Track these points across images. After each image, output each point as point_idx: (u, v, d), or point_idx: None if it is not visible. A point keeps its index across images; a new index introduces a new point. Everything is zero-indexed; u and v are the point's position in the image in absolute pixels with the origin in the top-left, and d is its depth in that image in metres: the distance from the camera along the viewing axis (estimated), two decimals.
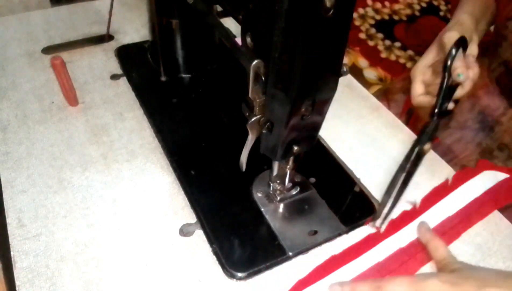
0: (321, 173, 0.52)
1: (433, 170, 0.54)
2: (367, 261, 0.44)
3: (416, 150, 0.46)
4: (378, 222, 0.46)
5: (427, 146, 0.47)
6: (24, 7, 1.02)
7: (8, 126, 0.56)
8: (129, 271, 0.42)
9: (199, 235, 0.46)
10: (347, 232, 0.46)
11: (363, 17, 1.77)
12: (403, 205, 0.48)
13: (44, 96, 0.61)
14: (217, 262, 0.43)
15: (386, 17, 1.79)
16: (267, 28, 0.32)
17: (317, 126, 0.42)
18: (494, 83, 0.66)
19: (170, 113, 0.59)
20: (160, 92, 0.62)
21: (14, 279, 0.41)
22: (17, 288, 0.40)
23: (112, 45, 0.71)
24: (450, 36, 0.53)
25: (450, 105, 0.50)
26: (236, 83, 0.64)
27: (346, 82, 0.67)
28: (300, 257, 0.44)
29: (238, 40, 0.37)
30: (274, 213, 0.48)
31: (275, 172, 0.47)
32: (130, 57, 0.68)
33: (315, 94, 0.37)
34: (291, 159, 0.45)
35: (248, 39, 0.36)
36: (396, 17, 1.79)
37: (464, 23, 0.58)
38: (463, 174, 0.52)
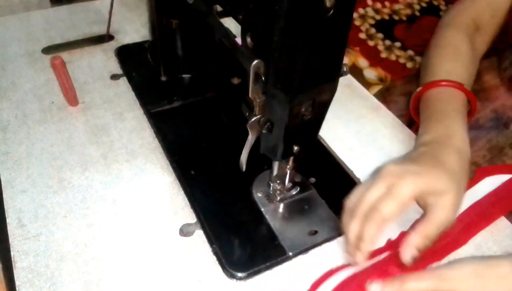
0: (321, 173, 0.52)
1: None
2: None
3: None
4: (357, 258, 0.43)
5: None
6: (24, 7, 1.02)
7: (8, 126, 0.56)
8: (129, 271, 0.42)
9: (199, 235, 0.46)
10: None
11: (363, 17, 1.77)
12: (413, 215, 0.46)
13: (44, 96, 0.61)
14: (217, 262, 0.43)
15: (386, 17, 1.79)
16: (267, 28, 0.33)
17: (317, 126, 0.42)
18: (507, 82, 0.65)
19: (170, 113, 0.59)
20: (160, 92, 0.62)
21: (14, 279, 0.41)
22: (17, 288, 0.40)
23: (112, 45, 0.71)
24: (449, 217, 0.42)
25: None
26: (235, 84, 0.64)
27: (346, 82, 0.67)
28: (300, 257, 0.44)
29: (238, 40, 0.37)
30: (274, 213, 0.48)
31: (275, 172, 0.47)
32: (130, 57, 0.68)
33: (315, 94, 0.37)
34: (291, 159, 0.45)
35: (248, 39, 0.36)
36: (396, 17, 1.79)
37: (447, 162, 0.46)
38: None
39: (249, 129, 0.39)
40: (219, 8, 0.46)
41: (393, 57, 1.61)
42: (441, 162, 0.45)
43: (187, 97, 0.61)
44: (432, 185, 0.43)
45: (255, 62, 0.34)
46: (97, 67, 0.66)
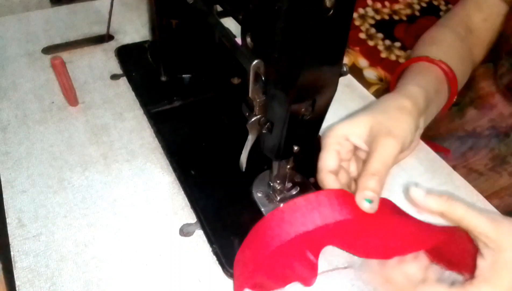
0: None
1: (433, 171, 0.54)
2: None
3: None
4: None
5: None
6: (24, 7, 1.02)
7: (8, 126, 0.56)
8: (129, 271, 0.42)
9: (199, 235, 0.46)
10: None
11: (363, 17, 1.77)
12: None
13: (44, 96, 0.61)
14: (217, 262, 0.43)
15: (386, 17, 1.79)
16: (267, 28, 0.33)
17: (317, 126, 0.42)
18: (503, 90, 0.65)
19: (170, 113, 0.59)
20: (160, 92, 0.62)
21: (14, 279, 0.41)
22: (17, 288, 0.40)
23: (112, 45, 0.71)
24: (390, 146, 0.41)
25: None
26: (236, 84, 0.64)
27: (346, 82, 0.67)
28: None
29: (238, 40, 0.37)
30: None
31: (275, 172, 0.47)
32: (130, 57, 0.68)
33: (315, 94, 0.37)
34: (291, 159, 0.45)
35: (248, 39, 0.36)
36: (396, 17, 1.79)
37: (414, 94, 0.47)
38: None
39: (249, 129, 0.39)
40: (219, 8, 0.46)
41: (393, 57, 1.61)
42: (369, 106, 0.46)
43: (187, 97, 0.61)
44: (354, 124, 0.44)
45: (255, 62, 0.34)
46: (97, 67, 0.66)
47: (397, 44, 1.66)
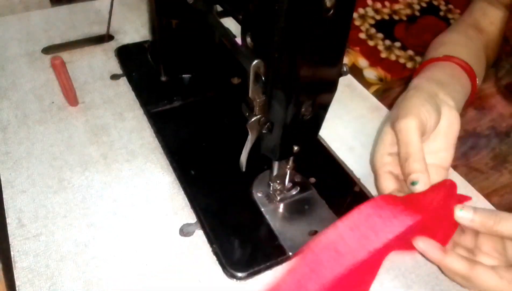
0: (321, 173, 0.52)
1: None
2: None
3: None
4: None
5: None
6: (24, 7, 1.02)
7: (8, 126, 0.56)
8: (129, 271, 0.42)
9: (199, 235, 0.46)
10: None
11: (363, 17, 1.77)
12: None
13: (44, 96, 0.61)
14: (217, 262, 0.43)
15: (386, 17, 1.78)
16: (267, 28, 0.33)
17: (317, 126, 0.42)
18: (503, 90, 0.65)
19: (170, 113, 0.59)
20: (160, 92, 0.62)
21: (14, 279, 0.41)
22: (17, 288, 0.40)
23: (112, 45, 0.71)
24: (405, 125, 0.42)
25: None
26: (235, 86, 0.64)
27: (346, 82, 0.67)
28: None
29: (238, 40, 0.37)
30: (274, 213, 0.48)
31: (275, 172, 0.47)
32: (130, 57, 0.68)
33: (315, 94, 0.37)
34: (291, 159, 0.45)
35: (248, 39, 0.36)
36: (396, 17, 1.79)
37: (423, 87, 0.48)
38: None
39: (249, 129, 0.39)
40: (219, 8, 0.46)
41: (393, 57, 1.61)
42: (405, 96, 0.47)
43: (187, 97, 0.61)
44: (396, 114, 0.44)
45: (255, 62, 0.34)
46: (97, 67, 0.66)
47: (397, 44, 1.66)
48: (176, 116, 0.59)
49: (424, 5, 1.89)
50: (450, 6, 1.81)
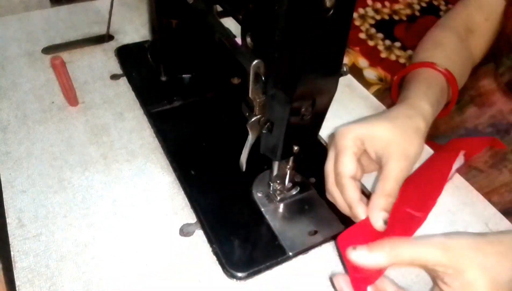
0: (321, 173, 0.52)
1: None
2: None
3: None
4: None
5: None
6: (24, 7, 1.02)
7: (8, 126, 0.56)
8: (129, 271, 0.42)
9: (199, 235, 0.46)
10: None
11: (363, 17, 1.76)
12: None
13: (44, 96, 0.61)
14: (217, 262, 0.43)
15: (386, 17, 1.78)
16: (267, 28, 0.33)
17: (317, 126, 0.42)
18: (504, 87, 0.65)
19: (170, 113, 0.59)
20: (160, 92, 0.62)
21: (14, 279, 0.41)
22: (17, 288, 0.40)
23: (112, 45, 0.71)
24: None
25: None
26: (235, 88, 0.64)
27: (346, 82, 0.67)
28: (300, 257, 0.44)
29: (238, 40, 0.37)
30: (274, 213, 0.48)
31: (275, 172, 0.47)
32: (130, 57, 0.68)
33: (315, 94, 0.37)
34: (291, 159, 0.45)
35: (248, 39, 0.36)
36: (396, 17, 1.79)
37: (427, 115, 0.48)
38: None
39: (249, 129, 0.39)
40: (219, 8, 0.46)
41: (393, 57, 1.61)
42: (385, 114, 0.47)
43: (187, 97, 0.61)
44: (372, 131, 0.43)
45: (255, 62, 0.34)
46: (97, 67, 0.66)
47: (397, 44, 1.66)
48: (176, 116, 0.59)
49: (424, 5, 1.89)
50: (450, 6, 1.81)
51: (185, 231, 0.46)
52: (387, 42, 1.67)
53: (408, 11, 1.81)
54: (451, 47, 0.61)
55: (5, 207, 0.47)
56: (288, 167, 0.46)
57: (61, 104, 0.59)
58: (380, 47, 1.65)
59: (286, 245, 0.45)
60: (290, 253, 0.44)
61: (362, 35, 1.69)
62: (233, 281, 0.42)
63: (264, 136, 0.41)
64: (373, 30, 1.71)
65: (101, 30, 0.73)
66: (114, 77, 0.65)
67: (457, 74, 0.57)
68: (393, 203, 0.41)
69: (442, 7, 1.87)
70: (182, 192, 0.49)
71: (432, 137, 0.66)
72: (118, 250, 0.44)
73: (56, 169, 0.51)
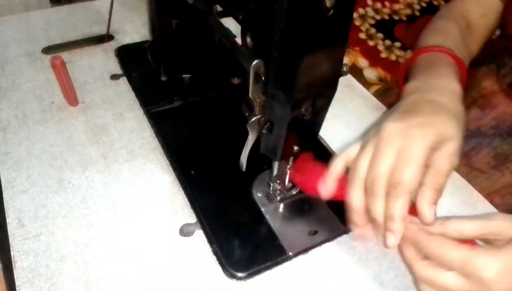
0: None
1: None
2: None
3: None
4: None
5: None
6: (24, 7, 1.02)
7: (8, 126, 0.56)
8: (129, 271, 0.42)
9: (199, 235, 0.46)
10: (347, 232, 0.46)
11: (363, 17, 1.76)
12: None
13: (44, 96, 0.61)
14: (217, 262, 0.43)
15: (386, 17, 1.78)
16: (267, 28, 0.33)
17: (317, 126, 0.42)
18: (506, 89, 0.65)
19: (170, 113, 0.59)
20: (160, 92, 0.62)
21: (14, 279, 0.41)
22: (17, 288, 0.40)
23: (112, 45, 0.71)
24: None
25: None
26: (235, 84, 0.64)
27: (346, 82, 0.67)
28: (300, 257, 0.44)
29: (238, 40, 0.37)
30: (274, 213, 0.48)
31: (275, 172, 0.47)
32: (130, 57, 0.68)
33: (315, 94, 0.37)
34: (291, 159, 0.45)
35: (248, 39, 0.36)
36: (396, 17, 1.79)
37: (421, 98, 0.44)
38: None
39: (249, 129, 0.39)
40: (219, 8, 0.46)
41: (393, 57, 1.61)
42: (440, 105, 0.42)
43: (187, 97, 0.61)
44: (441, 133, 0.39)
45: (255, 62, 0.34)
46: (97, 67, 0.66)
47: (397, 44, 1.66)
48: (176, 116, 0.59)
49: (424, 5, 1.89)
50: None
51: (185, 231, 0.46)
52: (387, 42, 1.67)
53: (408, 11, 1.81)
54: (453, 36, 0.61)
55: (5, 207, 0.47)
56: (288, 167, 0.46)
57: (61, 104, 0.59)
58: (380, 47, 1.65)
59: (286, 245, 0.44)
60: (290, 253, 0.44)
61: (362, 35, 1.69)
62: (233, 281, 0.42)
63: (264, 136, 0.41)
64: (373, 30, 1.71)
65: (101, 30, 0.73)
66: (114, 77, 0.65)
67: (462, 56, 0.56)
68: (440, 196, 0.38)
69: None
70: (182, 192, 0.49)
71: None
72: (118, 250, 0.44)
73: (56, 169, 0.51)
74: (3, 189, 0.49)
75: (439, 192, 0.38)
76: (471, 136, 0.65)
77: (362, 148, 0.41)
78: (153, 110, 0.59)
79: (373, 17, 1.80)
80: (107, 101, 0.60)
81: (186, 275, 0.42)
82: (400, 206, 0.37)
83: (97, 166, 0.52)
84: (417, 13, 1.86)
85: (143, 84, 0.63)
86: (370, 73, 1.55)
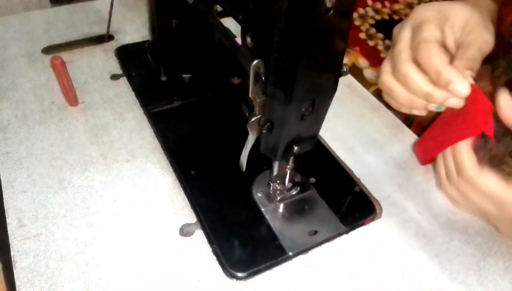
0: (321, 173, 0.52)
1: (432, 172, 0.54)
2: None
3: None
4: None
5: None
6: (24, 7, 1.02)
7: (8, 126, 0.56)
8: (129, 271, 0.42)
9: (199, 235, 0.46)
10: (347, 232, 0.46)
11: (363, 17, 1.76)
12: None
13: (44, 96, 0.61)
14: (217, 262, 0.43)
15: (386, 17, 1.78)
16: (267, 28, 0.32)
17: (317, 126, 0.42)
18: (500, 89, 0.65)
19: (170, 113, 0.59)
20: (160, 92, 0.62)
21: (14, 279, 0.41)
22: (17, 288, 0.40)
23: (112, 45, 0.71)
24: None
25: None
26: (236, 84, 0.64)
27: (346, 82, 0.67)
28: (300, 257, 0.44)
29: (238, 40, 0.37)
30: (274, 213, 0.48)
31: (275, 172, 0.47)
32: (130, 57, 0.68)
33: (315, 94, 0.37)
34: (291, 159, 0.45)
35: (248, 39, 0.36)
36: (396, 17, 1.79)
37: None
38: None
39: (249, 129, 0.39)
40: (219, 8, 0.46)
41: None
42: None
43: (187, 97, 0.61)
44: (452, 8, 0.44)
45: (255, 62, 0.34)
46: (97, 67, 0.66)
47: None
48: (176, 116, 0.59)
49: None
50: None
51: (185, 231, 0.46)
52: (387, 42, 1.67)
53: (408, 11, 1.81)
54: None
55: (5, 207, 0.47)
56: (288, 167, 0.46)
57: (61, 104, 0.59)
58: (380, 47, 1.65)
59: (286, 245, 0.45)
60: (290, 253, 0.44)
61: (362, 35, 1.69)
62: (233, 281, 0.42)
63: (264, 136, 0.41)
64: (373, 30, 1.71)
65: (101, 30, 0.73)
66: (114, 77, 0.65)
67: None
68: (476, 68, 0.40)
69: None
70: (182, 192, 0.49)
71: None
72: (118, 250, 0.44)
73: (56, 169, 0.51)
74: (3, 189, 0.49)
75: (472, 61, 0.41)
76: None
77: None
78: (153, 110, 0.59)
79: (373, 17, 1.80)
80: (107, 101, 0.60)
81: (186, 275, 0.42)
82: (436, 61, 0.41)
83: (97, 166, 0.52)
84: None
85: (143, 84, 0.63)
86: (370, 73, 1.55)
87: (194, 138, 0.56)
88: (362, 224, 0.47)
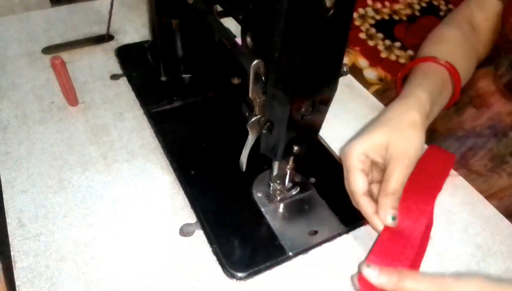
0: (321, 173, 0.52)
1: None
2: None
3: None
4: None
5: None
6: (24, 7, 1.02)
7: (8, 126, 0.56)
8: (129, 271, 0.42)
9: (199, 235, 0.46)
10: (347, 232, 0.46)
11: (363, 17, 1.76)
12: None
13: (44, 96, 0.61)
14: (217, 262, 0.43)
15: (386, 17, 1.78)
16: (267, 28, 0.33)
17: (317, 126, 0.42)
18: (502, 89, 0.65)
19: (170, 113, 0.59)
20: (160, 92, 0.62)
21: (14, 279, 0.41)
22: (17, 288, 0.40)
23: (112, 45, 0.71)
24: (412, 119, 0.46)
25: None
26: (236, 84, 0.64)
27: (346, 82, 0.67)
28: (300, 257, 0.44)
29: (238, 40, 0.37)
30: (274, 213, 0.48)
31: (275, 172, 0.47)
32: (130, 57, 0.68)
33: (315, 94, 0.37)
34: (291, 159, 0.45)
35: (248, 39, 0.36)
36: (396, 17, 1.79)
37: (423, 102, 0.49)
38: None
39: (249, 129, 0.39)
40: (219, 8, 0.46)
41: (393, 57, 1.61)
42: (381, 117, 0.48)
43: (187, 97, 0.61)
44: (371, 141, 0.45)
45: (255, 62, 0.34)
46: (97, 67, 0.66)
47: (397, 44, 1.66)
48: (176, 116, 0.59)
49: (424, 5, 1.88)
50: (450, 6, 1.81)
51: (185, 231, 0.46)
52: (387, 42, 1.67)
53: (408, 11, 1.81)
54: (455, 42, 0.62)
55: (5, 207, 0.47)
56: (288, 167, 0.46)
57: (61, 104, 0.59)
58: (380, 47, 1.65)
59: (286, 245, 0.45)
60: (290, 253, 0.44)
61: (362, 35, 1.69)
62: (233, 281, 0.42)
63: (264, 136, 0.41)
64: (373, 30, 1.71)
65: (101, 30, 0.73)
66: (114, 77, 0.65)
67: (460, 67, 0.57)
68: (398, 199, 0.43)
69: (442, 7, 1.87)
70: (182, 192, 0.49)
71: (430, 138, 0.66)
72: (118, 250, 0.44)
73: (56, 169, 0.51)
74: (3, 189, 0.49)
75: (394, 195, 0.43)
76: (467, 136, 0.65)
77: None
78: (153, 110, 0.59)
79: (373, 17, 1.80)
80: (107, 101, 0.60)
81: (186, 275, 0.42)
82: (363, 207, 0.45)
83: (97, 166, 0.52)
84: (417, 13, 1.86)
85: (143, 84, 0.63)
86: (370, 73, 1.55)
87: (194, 138, 0.56)
88: (362, 224, 0.47)
